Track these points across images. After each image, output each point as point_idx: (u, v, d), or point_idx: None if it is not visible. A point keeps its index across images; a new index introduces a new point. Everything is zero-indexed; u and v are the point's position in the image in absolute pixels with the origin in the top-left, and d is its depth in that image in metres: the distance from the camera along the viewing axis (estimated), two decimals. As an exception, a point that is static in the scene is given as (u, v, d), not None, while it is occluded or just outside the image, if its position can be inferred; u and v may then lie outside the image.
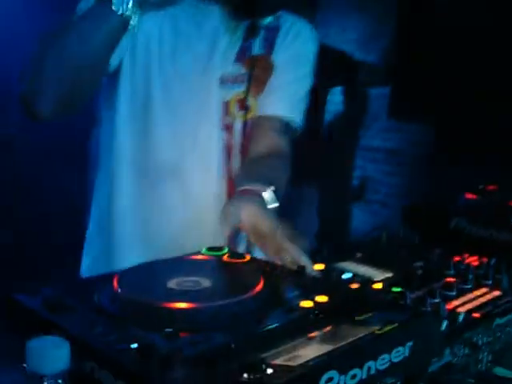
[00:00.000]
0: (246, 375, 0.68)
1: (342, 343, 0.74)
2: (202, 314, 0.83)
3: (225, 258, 1.08)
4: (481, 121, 2.29)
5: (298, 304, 0.88)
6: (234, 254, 1.10)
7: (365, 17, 4.18)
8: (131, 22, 1.24)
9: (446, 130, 2.30)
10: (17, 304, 0.88)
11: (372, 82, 4.10)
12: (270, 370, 0.69)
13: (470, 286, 1.14)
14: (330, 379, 0.69)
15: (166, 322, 0.82)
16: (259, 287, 0.91)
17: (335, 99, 4.21)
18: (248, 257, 1.09)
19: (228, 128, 1.50)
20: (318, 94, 1.65)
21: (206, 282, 0.93)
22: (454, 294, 1.11)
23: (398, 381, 0.80)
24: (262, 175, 1.33)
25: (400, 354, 0.77)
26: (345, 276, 1.17)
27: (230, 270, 1.02)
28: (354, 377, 0.72)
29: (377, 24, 4.09)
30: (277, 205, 1.24)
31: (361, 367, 0.73)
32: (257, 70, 1.48)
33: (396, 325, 0.79)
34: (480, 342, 1.01)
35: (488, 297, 1.11)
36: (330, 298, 0.91)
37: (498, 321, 1.05)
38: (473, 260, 1.28)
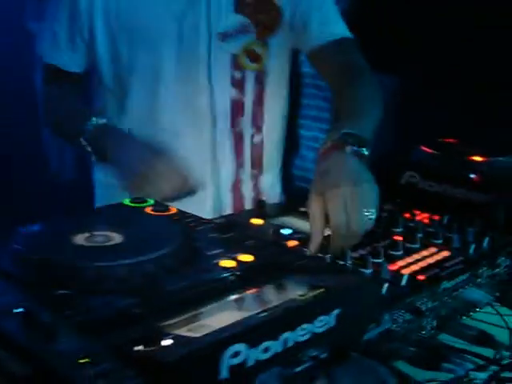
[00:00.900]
0: (138, 347, 0.58)
1: (255, 311, 0.64)
2: (103, 274, 0.72)
3: (147, 209, 0.97)
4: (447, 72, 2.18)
5: (217, 263, 0.78)
6: (159, 205, 0.99)
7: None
8: None
9: (411, 79, 2.18)
10: None
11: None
12: (165, 342, 0.59)
13: (417, 246, 1.05)
14: (237, 354, 0.59)
15: (64, 283, 0.71)
16: (176, 244, 0.80)
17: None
18: (173, 209, 0.98)
19: (238, 84, 1.40)
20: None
21: (117, 238, 0.82)
22: (400, 253, 1.02)
23: (324, 352, 0.70)
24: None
25: (324, 323, 0.67)
26: (283, 232, 1.07)
27: (148, 223, 0.91)
28: (266, 350, 0.62)
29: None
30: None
31: (275, 339, 0.63)
32: (260, 16, 1.37)
33: (322, 290, 0.69)
34: (424, 308, 0.92)
35: (436, 257, 1.02)
36: (255, 258, 0.81)
37: (446, 284, 0.96)
38: (424, 217, 1.19)
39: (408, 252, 1.03)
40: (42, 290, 0.70)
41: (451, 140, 1.43)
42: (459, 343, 0.94)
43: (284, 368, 0.65)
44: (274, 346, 0.63)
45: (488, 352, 0.90)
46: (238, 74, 1.40)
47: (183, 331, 0.62)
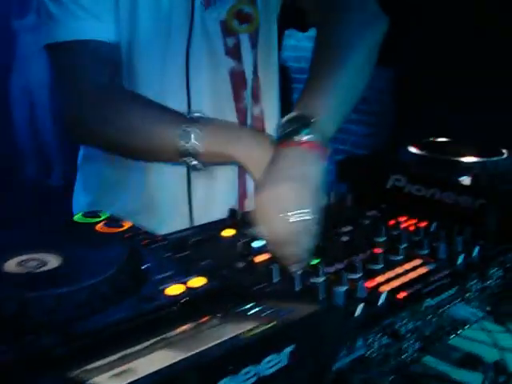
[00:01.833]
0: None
1: (190, 352, 0.55)
2: (29, 306, 0.64)
3: (98, 226, 0.88)
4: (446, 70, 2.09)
5: (163, 290, 0.69)
6: (112, 220, 0.90)
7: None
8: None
9: (408, 77, 2.09)
10: None
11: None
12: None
13: (400, 258, 0.96)
14: (161, 408, 0.50)
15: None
16: (117, 268, 0.71)
17: (291, 43, 4.05)
18: (127, 225, 0.89)
19: (233, 52, 1.28)
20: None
21: (53, 262, 0.73)
22: (380, 267, 0.93)
23: (278, 394, 0.61)
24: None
25: (274, 363, 0.58)
26: (254, 245, 0.98)
27: (92, 243, 0.81)
28: (200, 400, 0.53)
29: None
30: None
31: (212, 386, 0.54)
32: None
33: (273, 323, 0.60)
34: (404, 330, 0.83)
35: (420, 271, 0.92)
36: (208, 281, 0.72)
37: (429, 302, 0.86)
38: (409, 225, 1.09)
39: (389, 265, 0.93)
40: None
41: (441, 140, 1.34)
42: (444, 366, 0.85)
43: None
44: (211, 394, 0.54)
45: (475, 376, 0.82)
46: (230, 42, 1.27)
47: (104, 378, 0.53)
